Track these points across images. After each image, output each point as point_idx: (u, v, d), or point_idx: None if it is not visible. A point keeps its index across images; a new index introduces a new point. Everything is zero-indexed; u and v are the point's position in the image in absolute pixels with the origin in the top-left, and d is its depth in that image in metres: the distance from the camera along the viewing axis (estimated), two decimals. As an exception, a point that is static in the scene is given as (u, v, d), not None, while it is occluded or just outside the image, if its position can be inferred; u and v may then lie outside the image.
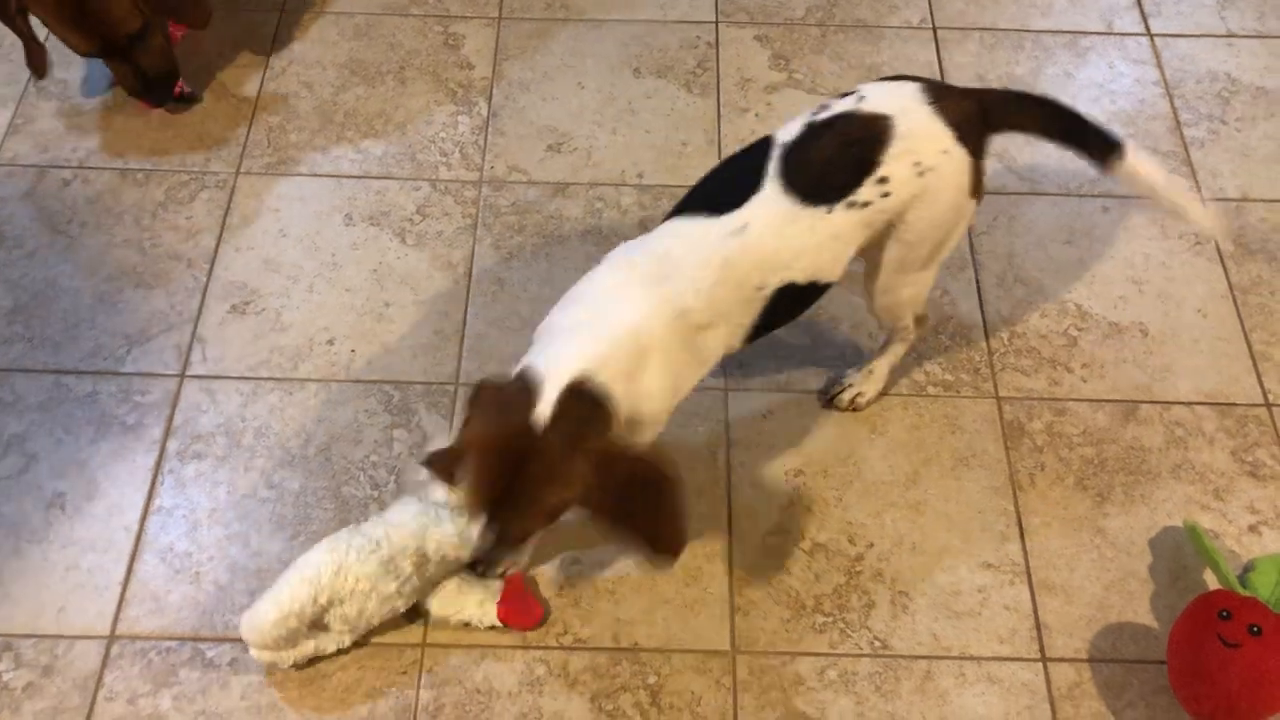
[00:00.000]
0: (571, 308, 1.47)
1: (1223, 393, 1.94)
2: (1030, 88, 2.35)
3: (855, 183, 1.47)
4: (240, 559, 1.73)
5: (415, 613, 1.66)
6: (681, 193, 1.60)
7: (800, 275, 1.49)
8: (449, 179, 2.19)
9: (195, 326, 1.98)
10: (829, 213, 1.47)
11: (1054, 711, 1.63)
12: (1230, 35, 2.47)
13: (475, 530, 1.41)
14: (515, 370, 1.41)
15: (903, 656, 1.67)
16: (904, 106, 1.51)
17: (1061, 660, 1.68)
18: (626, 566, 1.73)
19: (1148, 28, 2.48)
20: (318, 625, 1.58)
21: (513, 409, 1.35)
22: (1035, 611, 1.72)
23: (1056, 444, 1.88)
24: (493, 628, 1.65)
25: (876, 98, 1.52)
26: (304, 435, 1.86)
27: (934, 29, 2.43)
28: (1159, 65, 2.41)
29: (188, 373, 1.93)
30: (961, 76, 2.37)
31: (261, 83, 2.33)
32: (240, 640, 1.60)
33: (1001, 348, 1.99)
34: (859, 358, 1.93)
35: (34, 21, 2.08)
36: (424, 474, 1.72)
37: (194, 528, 1.76)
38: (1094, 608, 1.72)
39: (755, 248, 1.46)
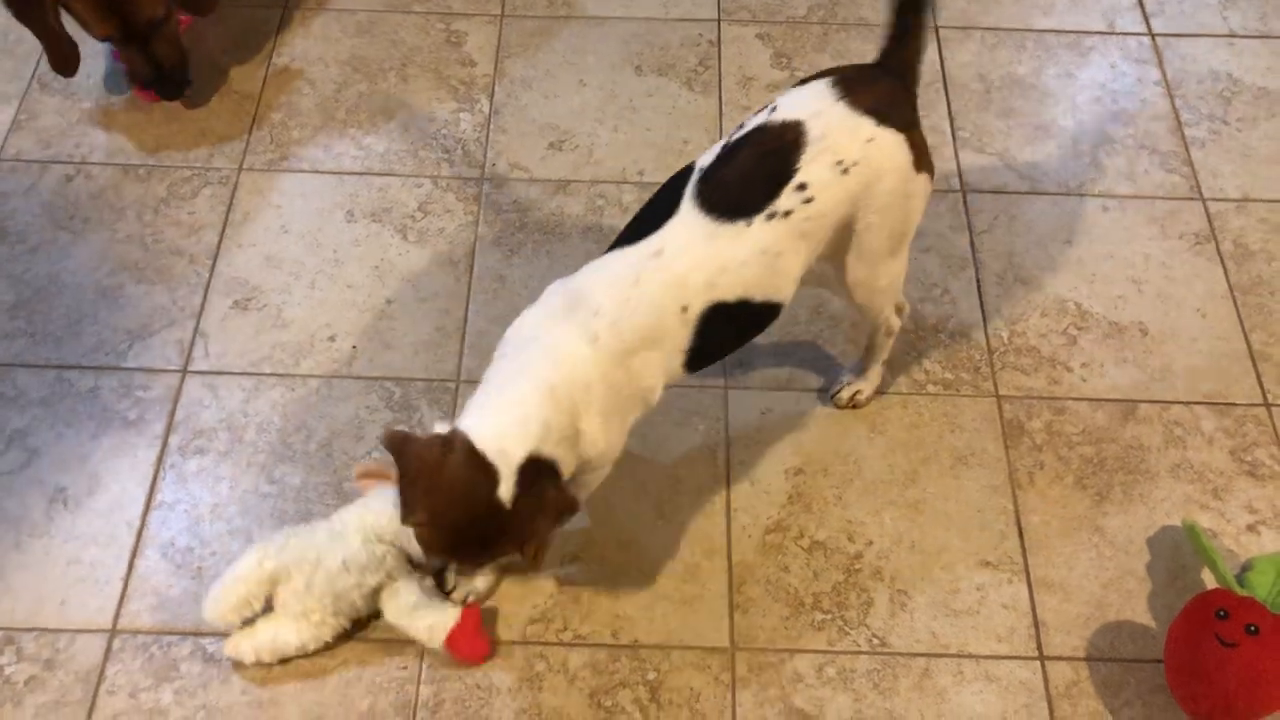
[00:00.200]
0: (507, 353, 1.49)
1: (1222, 392, 1.95)
2: (1031, 87, 2.35)
3: (773, 194, 1.46)
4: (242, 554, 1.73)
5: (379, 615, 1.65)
6: (682, 191, 1.60)
7: (727, 294, 1.47)
8: (450, 176, 2.19)
9: (197, 322, 1.99)
10: (748, 226, 1.46)
11: (1051, 710, 1.64)
12: (1232, 35, 2.47)
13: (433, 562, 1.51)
14: (444, 428, 1.43)
15: (901, 654, 1.67)
16: (815, 109, 1.50)
17: (1059, 659, 1.68)
18: (626, 565, 1.74)
19: (1149, 27, 2.48)
20: (270, 604, 1.60)
21: (472, 486, 1.38)
22: (1033, 610, 1.72)
23: (1056, 443, 1.88)
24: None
25: (788, 106, 1.51)
26: (305, 431, 1.86)
27: (935, 28, 2.43)
28: (1160, 65, 2.41)
29: (189, 368, 1.93)
30: (963, 76, 2.37)
31: (264, 79, 2.33)
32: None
33: (1001, 346, 1.99)
34: (858, 356, 1.94)
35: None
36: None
37: (195, 523, 1.77)
38: (1092, 606, 1.73)
39: (669, 268, 1.45)
